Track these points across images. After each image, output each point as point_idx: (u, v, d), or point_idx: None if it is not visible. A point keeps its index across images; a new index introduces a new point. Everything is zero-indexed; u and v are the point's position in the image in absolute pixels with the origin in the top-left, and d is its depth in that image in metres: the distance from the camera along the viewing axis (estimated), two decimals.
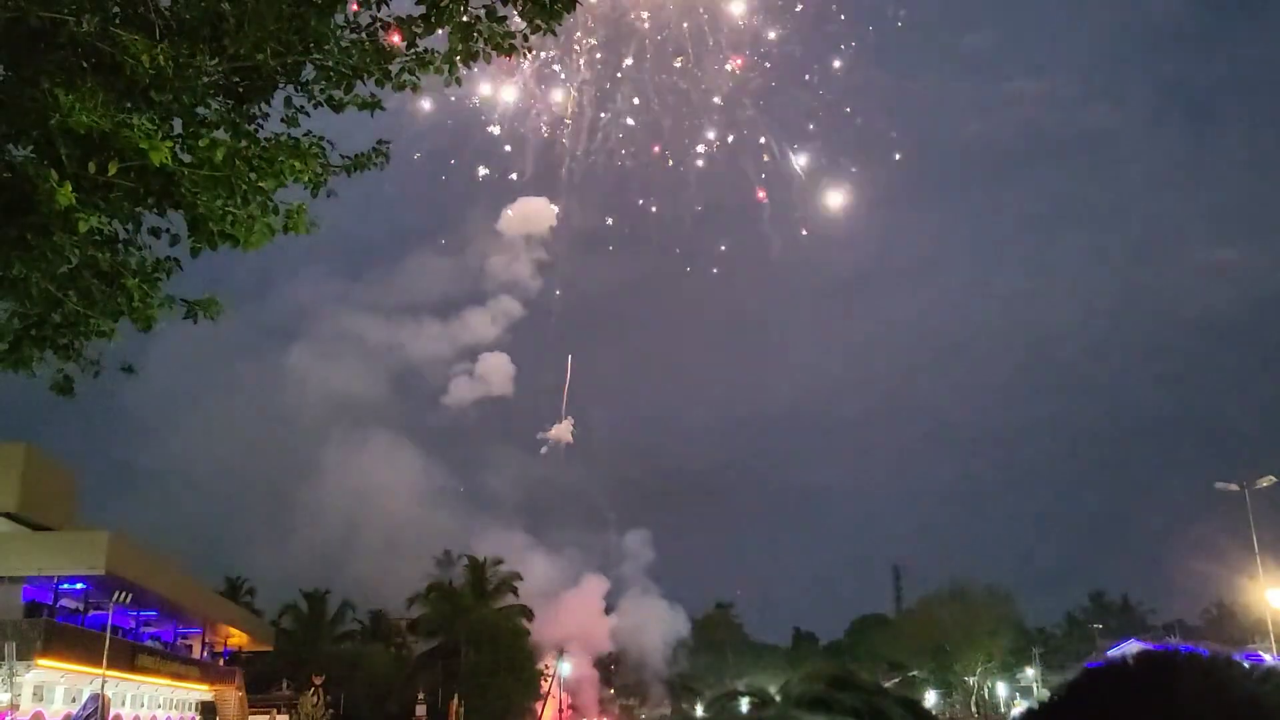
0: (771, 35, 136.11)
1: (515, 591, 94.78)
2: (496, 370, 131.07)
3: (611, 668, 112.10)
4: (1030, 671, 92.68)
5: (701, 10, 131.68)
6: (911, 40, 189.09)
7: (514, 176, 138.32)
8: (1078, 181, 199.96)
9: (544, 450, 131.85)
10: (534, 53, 11.38)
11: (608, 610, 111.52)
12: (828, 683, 1.32)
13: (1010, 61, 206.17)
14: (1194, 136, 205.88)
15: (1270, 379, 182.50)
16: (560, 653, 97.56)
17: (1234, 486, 48.61)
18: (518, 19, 11.11)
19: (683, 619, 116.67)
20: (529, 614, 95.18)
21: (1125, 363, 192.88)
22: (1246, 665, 1.23)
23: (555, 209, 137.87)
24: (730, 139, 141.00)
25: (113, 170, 9.58)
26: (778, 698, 1.38)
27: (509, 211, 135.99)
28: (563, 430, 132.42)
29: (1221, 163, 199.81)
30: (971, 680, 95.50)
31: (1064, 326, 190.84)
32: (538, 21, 10.98)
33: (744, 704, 1.41)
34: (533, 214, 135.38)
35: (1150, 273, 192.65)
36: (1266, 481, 47.35)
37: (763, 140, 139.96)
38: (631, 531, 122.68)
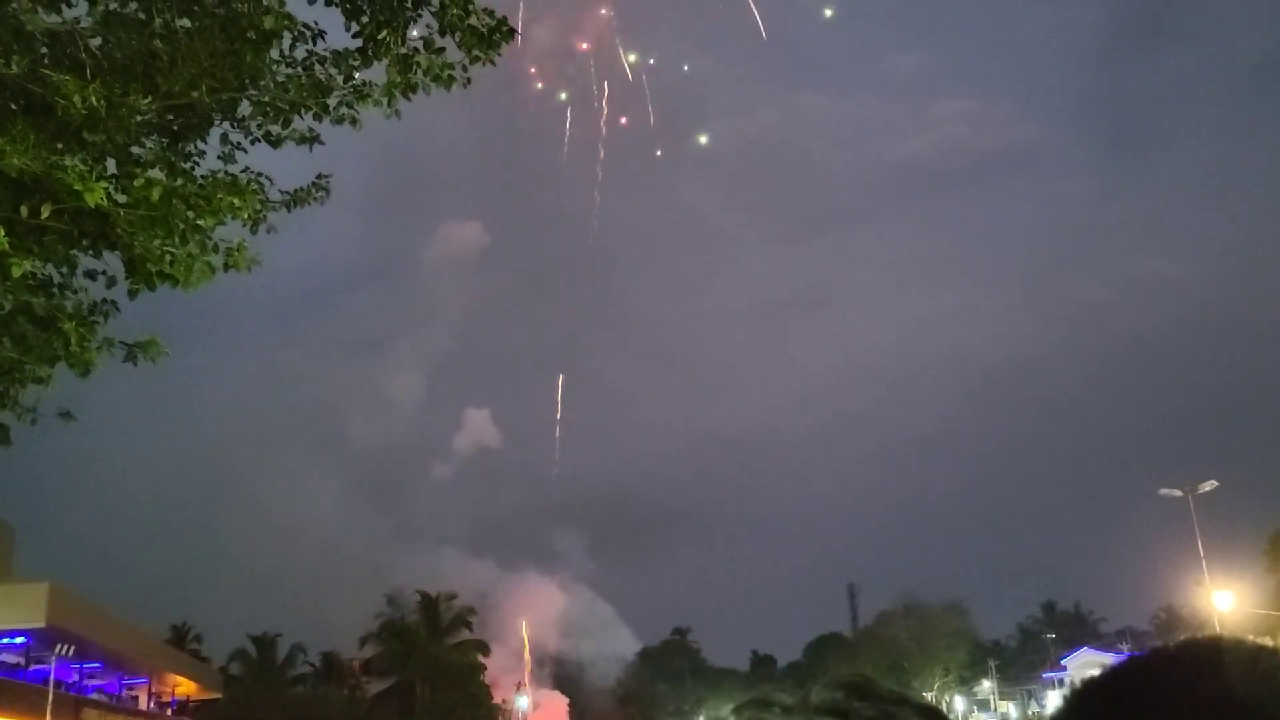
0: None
1: (470, 626, 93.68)
2: (409, 403, 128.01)
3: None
4: (987, 684, 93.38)
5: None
6: (843, 64, 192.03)
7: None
8: (1010, 198, 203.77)
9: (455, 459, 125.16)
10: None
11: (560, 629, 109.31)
12: (847, 691, 1.31)
13: (939, 82, 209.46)
14: (1122, 151, 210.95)
15: (1207, 386, 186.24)
16: (519, 686, 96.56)
17: (1177, 492, 49.46)
18: (456, 50, 11.04)
19: (629, 635, 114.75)
20: (485, 649, 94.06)
21: (1065, 375, 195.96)
22: None
23: (487, 235, 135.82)
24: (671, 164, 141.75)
25: (46, 213, 9.38)
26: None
27: (438, 237, 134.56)
28: (479, 427, 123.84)
29: (1150, 177, 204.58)
30: (930, 696, 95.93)
31: (1002, 340, 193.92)
32: (476, 52, 10.91)
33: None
34: (463, 240, 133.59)
35: (1086, 286, 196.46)
36: (1208, 486, 48.27)
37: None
38: (564, 529, 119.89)
